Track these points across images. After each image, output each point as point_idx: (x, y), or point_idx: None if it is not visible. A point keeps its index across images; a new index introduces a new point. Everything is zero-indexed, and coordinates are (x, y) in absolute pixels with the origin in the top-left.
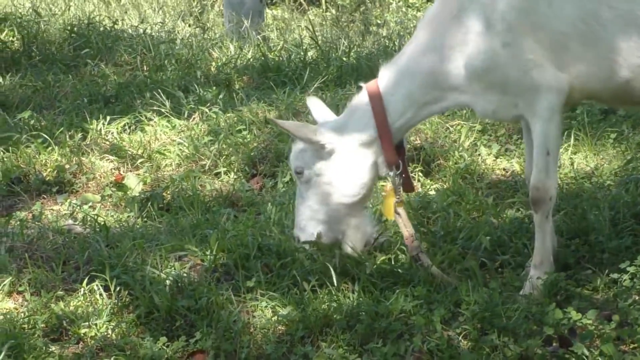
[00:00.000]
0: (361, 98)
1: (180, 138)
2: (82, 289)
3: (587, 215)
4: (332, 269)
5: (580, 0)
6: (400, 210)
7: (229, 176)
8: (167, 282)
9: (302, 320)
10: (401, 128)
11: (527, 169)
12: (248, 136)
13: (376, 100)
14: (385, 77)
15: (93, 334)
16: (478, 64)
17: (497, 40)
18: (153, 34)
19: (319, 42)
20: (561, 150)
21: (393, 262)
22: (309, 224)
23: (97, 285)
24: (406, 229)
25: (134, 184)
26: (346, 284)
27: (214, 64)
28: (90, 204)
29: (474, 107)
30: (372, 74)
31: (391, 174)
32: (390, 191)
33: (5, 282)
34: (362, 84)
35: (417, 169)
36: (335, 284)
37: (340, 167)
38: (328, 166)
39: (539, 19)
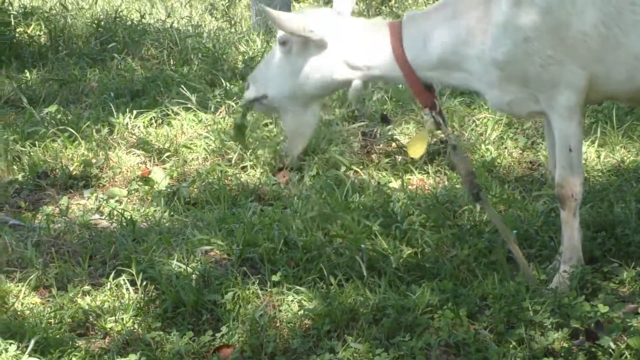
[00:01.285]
0: (377, 32)
1: (206, 132)
2: (109, 284)
3: (614, 208)
4: (362, 263)
5: (602, 3)
6: (456, 147)
7: (255, 170)
8: (194, 276)
9: (329, 315)
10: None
11: (551, 164)
12: (274, 130)
13: (397, 48)
14: (406, 28)
15: (119, 328)
16: (498, 56)
17: (519, 34)
18: (180, 27)
19: None
20: (587, 143)
21: (419, 256)
22: (266, 82)
23: (123, 279)
24: (464, 168)
25: (161, 178)
26: (372, 278)
27: (240, 57)
28: (116, 198)
29: (487, 96)
30: None
31: (426, 113)
32: (423, 132)
33: (31, 277)
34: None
35: (443, 162)
36: (364, 277)
37: (321, 67)
38: (310, 57)
39: (562, 17)
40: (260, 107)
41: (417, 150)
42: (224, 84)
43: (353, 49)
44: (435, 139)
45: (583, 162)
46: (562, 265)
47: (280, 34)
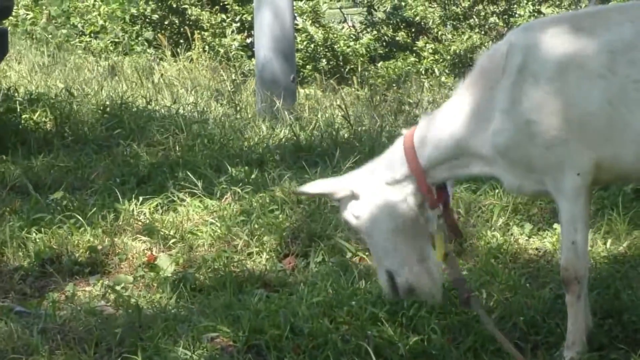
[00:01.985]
0: (394, 146)
1: (212, 218)
2: None
3: (621, 294)
4: (370, 350)
5: (607, 82)
6: (451, 254)
7: (261, 256)
8: None
9: None
10: (432, 179)
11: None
12: (280, 216)
13: (409, 147)
14: (419, 129)
15: None
16: (500, 140)
17: (522, 118)
18: (186, 114)
19: (351, 121)
20: (593, 229)
21: (426, 343)
22: (379, 272)
23: None
24: (454, 273)
25: (167, 264)
26: None
27: (246, 143)
28: (122, 284)
29: (501, 179)
30: None
31: (431, 215)
32: (439, 236)
33: None
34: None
35: (449, 249)
36: None
37: (371, 204)
38: (359, 205)
39: (567, 99)
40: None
41: (439, 254)
42: (230, 170)
43: (385, 170)
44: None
45: (590, 249)
46: (566, 350)
47: (344, 222)
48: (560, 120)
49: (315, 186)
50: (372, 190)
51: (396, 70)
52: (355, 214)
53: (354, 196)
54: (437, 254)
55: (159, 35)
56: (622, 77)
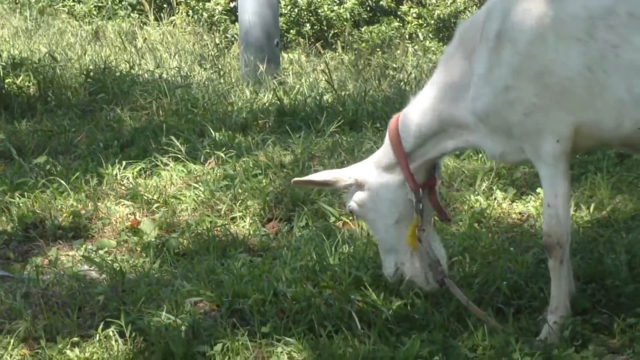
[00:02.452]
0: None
1: (195, 183)
2: (98, 335)
3: (604, 259)
4: (353, 314)
5: (586, 47)
6: (423, 237)
7: (244, 221)
8: (183, 327)
9: None
10: (420, 157)
11: None
12: (264, 180)
13: (393, 131)
14: (403, 113)
15: None
16: (479, 106)
17: (500, 83)
18: (169, 78)
19: (335, 85)
20: (577, 194)
21: (409, 307)
22: (384, 259)
23: (112, 331)
24: (429, 255)
25: (150, 229)
26: (362, 329)
27: (229, 108)
28: (105, 249)
29: (483, 147)
30: (387, 117)
31: (413, 200)
32: (415, 219)
33: (20, 329)
34: None
35: (433, 213)
36: (354, 329)
37: (373, 192)
38: (364, 196)
39: (546, 64)
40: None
41: (410, 239)
42: (213, 135)
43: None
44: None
45: (573, 213)
46: (550, 315)
47: (347, 209)
48: (538, 86)
49: (318, 176)
50: (374, 178)
51: (380, 34)
52: (360, 204)
53: (358, 185)
54: (407, 238)
55: None
56: (601, 42)
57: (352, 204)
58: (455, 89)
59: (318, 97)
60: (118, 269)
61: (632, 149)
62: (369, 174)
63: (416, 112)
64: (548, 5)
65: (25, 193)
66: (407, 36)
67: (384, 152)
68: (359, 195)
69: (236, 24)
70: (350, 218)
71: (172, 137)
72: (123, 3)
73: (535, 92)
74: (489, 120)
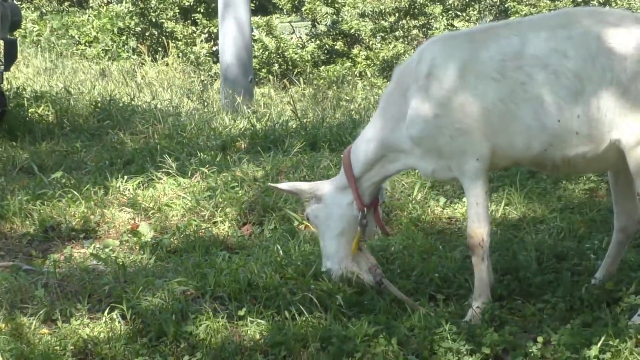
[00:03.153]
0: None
1: (184, 193)
2: (104, 318)
3: (517, 255)
4: (313, 300)
5: (499, 84)
6: (364, 247)
7: (224, 224)
8: (173, 311)
9: (284, 343)
10: (368, 181)
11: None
12: (240, 192)
13: (346, 158)
14: (354, 143)
15: (113, 354)
16: (414, 132)
17: (430, 112)
18: (163, 108)
19: (298, 114)
20: (495, 202)
21: (359, 295)
22: (325, 261)
23: (116, 314)
24: (369, 260)
25: (147, 231)
26: (320, 312)
27: (212, 132)
28: (110, 247)
29: (418, 168)
30: (341, 140)
31: (358, 216)
32: (358, 231)
33: (41, 312)
34: None
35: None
36: (313, 312)
37: (326, 207)
38: (319, 208)
39: (467, 97)
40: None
41: (353, 247)
42: (199, 154)
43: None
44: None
45: (492, 218)
46: (474, 301)
47: (305, 215)
48: (461, 114)
49: (288, 185)
50: (330, 196)
51: (335, 72)
52: (315, 214)
53: (317, 199)
54: (352, 245)
55: (141, 44)
56: (511, 80)
57: (309, 212)
58: (394, 120)
59: (284, 124)
60: (120, 263)
61: (539, 167)
62: (327, 192)
63: (363, 142)
64: (468, 51)
65: (45, 202)
66: (357, 74)
67: (340, 176)
68: (316, 207)
69: (217, 64)
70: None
71: (165, 156)
72: (125, 47)
73: (459, 119)
74: (422, 143)
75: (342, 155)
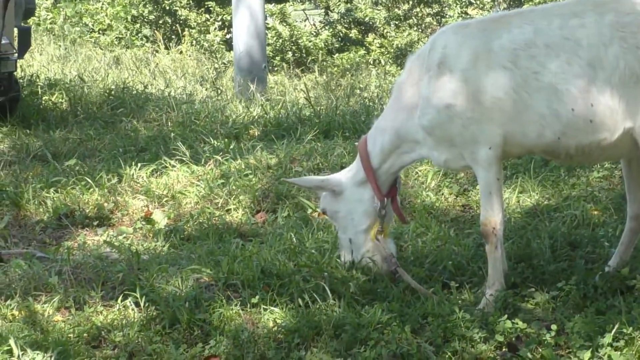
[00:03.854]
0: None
1: (197, 181)
2: (117, 305)
3: (531, 243)
4: (326, 287)
5: (512, 73)
6: (380, 236)
7: (237, 212)
8: (187, 299)
9: (298, 330)
10: (386, 172)
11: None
12: (253, 179)
13: (362, 150)
14: (370, 133)
15: (126, 342)
16: (425, 121)
17: (442, 102)
18: (176, 96)
19: (312, 102)
20: (509, 190)
21: (372, 282)
22: (343, 251)
23: (129, 301)
24: (384, 250)
25: (160, 218)
26: (334, 300)
27: (225, 120)
28: (124, 235)
29: (431, 158)
30: (355, 128)
31: (377, 207)
32: (376, 222)
33: (54, 300)
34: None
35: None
36: (327, 300)
37: (347, 202)
38: (340, 203)
39: (479, 86)
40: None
41: (372, 235)
42: (212, 142)
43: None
44: None
45: (506, 206)
46: (487, 289)
47: (321, 207)
48: (473, 103)
49: (304, 180)
50: (349, 192)
51: (349, 60)
52: (334, 209)
53: (335, 193)
54: (370, 234)
55: (155, 32)
56: (524, 69)
57: (327, 207)
58: (407, 109)
59: (298, 111)
60: (134, 251)
61: (552, 156)
62: (346, 186)
63: (378, 133)
64: (480, 40)
65: (59, 189)
66: (371, 62)
67: (357, 168)
68: (333, 202)
69: (231, 52)
70: None
71: (179, 144)
72: (139, 35)
73: (471, 108)
74: (434, 132)
75: (357, 145)
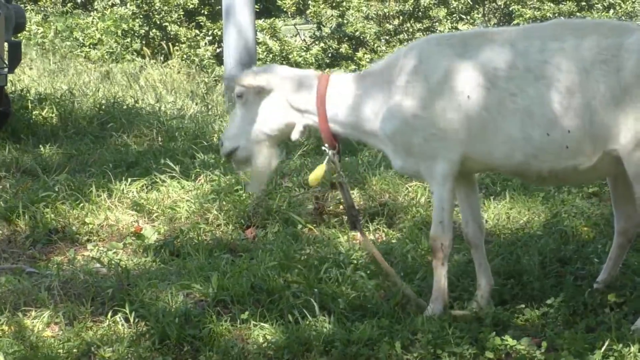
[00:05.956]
0: (313, 81)
1: (188, 196)
2: (107, 321)
3: (520, 259)
4: (314, 303)
5: (488, 93)
6: (343, 184)
7: (227, 227)
8: (177, 314)
9: (287, 346)
10: (343, 133)
11: (463, 221)
12: (243, 194)
13: (322, 96)
14: (332, 85)
15: (116, 357)
16: (388, 126)
17: (410, 111)
18: (166, 111)
19: None
20: (499, 205)
21: (362, 298)
22: (235, 137)
23: (119, 317)
24: (346, 201)
25: (150, 234)
26: (324, 316)
27: (215, 135)
28: (114, 250)
29: (390, 157)
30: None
31: (330, 153)
32: (322, 166)
33: (44, 315)
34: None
35: (381, 222)
36: (317, 316)
37: (271, 108)
38: (262, 101)
39: (451, 102)
40: (235, 161)
41: (314, 179)
42: (203, 157)
43: (293, 92)
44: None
45: (496, 221)
46: (430, 303)
47: (237, 90)
48: (441, 119)
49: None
50: (280, 103)
51: None
52: (253, 101)
53: (265, 90)
54: (312, 178)
55: (144, 48)
56: (501, 90)
57: (245, 92)
58: (372, 105)
59: None
60: (124, 266)
61: (524, 178)
62: (281, 96)
63: (339, 106)
64: (461, 54)
65: (49, 204)
66: None
67: (300, 93)
68: (257, 97)
69: (221, 66)
70: (314, 225)
71: (169, 159)
72: (129, 49)
73: (438, 124)
74: (394, 139)
75: (318, 77)
